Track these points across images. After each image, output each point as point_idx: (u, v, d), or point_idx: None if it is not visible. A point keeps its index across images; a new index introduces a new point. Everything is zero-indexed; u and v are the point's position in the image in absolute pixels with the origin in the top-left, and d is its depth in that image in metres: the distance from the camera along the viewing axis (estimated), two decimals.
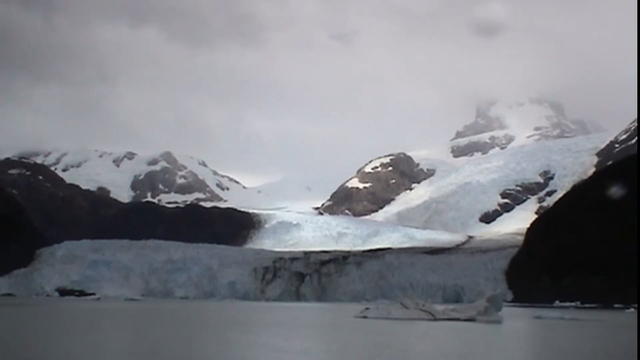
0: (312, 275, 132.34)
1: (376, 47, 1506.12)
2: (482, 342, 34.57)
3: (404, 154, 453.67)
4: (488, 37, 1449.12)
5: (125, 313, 63.92)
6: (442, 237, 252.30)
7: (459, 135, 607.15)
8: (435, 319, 51.84)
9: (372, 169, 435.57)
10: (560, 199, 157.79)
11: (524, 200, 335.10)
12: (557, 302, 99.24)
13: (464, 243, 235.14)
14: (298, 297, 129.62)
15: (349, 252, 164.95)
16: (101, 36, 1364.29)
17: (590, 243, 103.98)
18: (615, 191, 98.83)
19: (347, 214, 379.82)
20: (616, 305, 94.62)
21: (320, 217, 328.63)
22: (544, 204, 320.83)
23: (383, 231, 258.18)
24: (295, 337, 34.97)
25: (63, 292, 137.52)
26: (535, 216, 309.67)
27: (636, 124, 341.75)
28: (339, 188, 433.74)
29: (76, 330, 38.25)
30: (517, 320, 58.10)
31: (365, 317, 54.60)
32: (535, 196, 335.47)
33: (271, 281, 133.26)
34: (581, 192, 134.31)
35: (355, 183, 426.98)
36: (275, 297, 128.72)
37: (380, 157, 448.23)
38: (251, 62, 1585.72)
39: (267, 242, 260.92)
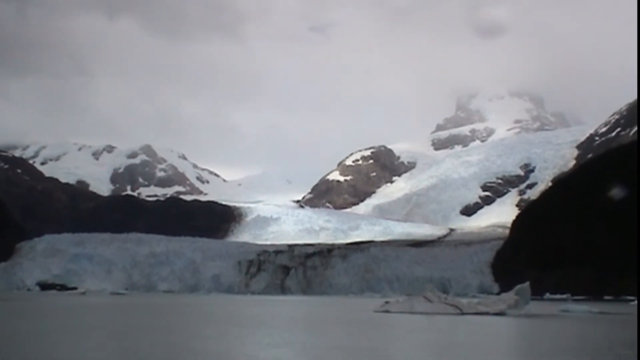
0: (297, 269, 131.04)
1: (356, 39, 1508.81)
2: (544, 339, 31.80)
3: (385, 147, 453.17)
4: (468, 29, 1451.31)
5: (124, 308, 61.87)
6: (424, 230, 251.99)
7: (439, 128, 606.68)
8: (463, 313, 50.66)
9: (353, 162, 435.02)
10: (546, 190, 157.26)
11: (505, 193, 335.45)
12: (547, 295, 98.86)
13: (445, 236, 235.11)
14: (283, 290, 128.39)
15: (333, 244, 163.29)
16: (77, 27, 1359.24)
17: (578, 235, 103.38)
18: (616, 193, 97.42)
19: (328, 207, 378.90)
20: (606, 297, 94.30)
21: (300, 210, 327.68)
22: (525, 196, 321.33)
23: (364, 224, 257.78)
24: (349, 336, 32.46)
25: (44, 286, 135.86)
26: (517, 209, 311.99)
27: (616, 117, 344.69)
28: (320, 181, 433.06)
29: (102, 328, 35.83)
30: (549, 315, 55.10)
31: (387, 311, 52.82)
32: (516, 189, 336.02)
33: (255, 274, 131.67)
34: (567, 183, 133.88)
35: (336, 176, 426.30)
36: (260, 291, 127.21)
37: (361, 150, 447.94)
38: (230, 53, 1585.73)
39: (248, 235, 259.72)
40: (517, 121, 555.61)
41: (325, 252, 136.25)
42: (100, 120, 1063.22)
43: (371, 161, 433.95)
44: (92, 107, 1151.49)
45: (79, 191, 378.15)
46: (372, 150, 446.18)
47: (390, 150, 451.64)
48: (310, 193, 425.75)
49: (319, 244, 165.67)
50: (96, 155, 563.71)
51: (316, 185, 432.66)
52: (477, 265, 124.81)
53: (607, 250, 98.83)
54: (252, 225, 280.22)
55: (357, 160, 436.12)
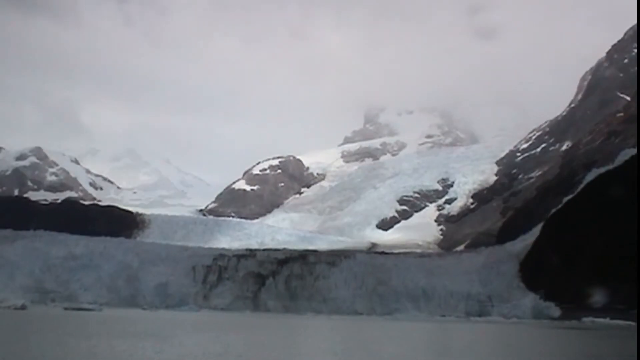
0: (275, 278, 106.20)
1: (266, 47, 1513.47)
2: None
3: (294, 157, 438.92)
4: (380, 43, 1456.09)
5: None
6: (345, 243, 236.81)
7: (347, 140, 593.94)
8: None
9: (260, 171, 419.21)
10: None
11: (423, 208, 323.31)
12: None
13: (370, 249, 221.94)
14: (256, 305, 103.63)
15: (316, 249, 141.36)
16: None
17: (569, 243, 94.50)
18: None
19: (232, 217, 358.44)
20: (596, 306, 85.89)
21: (206, 218, 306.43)
22: (444, 211, 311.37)
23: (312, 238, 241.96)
24: None
25: None
26: (436, 224, 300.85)
27: (537, 134, 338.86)
28: (225, 190, 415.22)
29: None
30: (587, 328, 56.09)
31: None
32: (434, 204, 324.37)
33: (217, 284, 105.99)
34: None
35: (242, 185, 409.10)
36: (224, 306, 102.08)
37: (268, 159, 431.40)
38: (137, 57, 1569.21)
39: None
40: (428, 136, 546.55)
41: (309, 258, 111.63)
42: None
43: (279, 171, 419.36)
44: None
45: None
46: (280, 159, 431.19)
47: (299, 160, 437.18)
48: (214, 202, 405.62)
49: (284, 249, 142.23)
50: None
51: (220, 194, 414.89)
52: (510, 279, 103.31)
53: (604, 259, 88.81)
54: (156, 232, 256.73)
55: (265, 169, 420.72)
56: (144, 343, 32.40)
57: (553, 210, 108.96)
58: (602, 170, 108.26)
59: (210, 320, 67.66)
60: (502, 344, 42.02)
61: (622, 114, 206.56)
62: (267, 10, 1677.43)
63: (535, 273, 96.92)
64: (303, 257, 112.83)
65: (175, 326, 51.84)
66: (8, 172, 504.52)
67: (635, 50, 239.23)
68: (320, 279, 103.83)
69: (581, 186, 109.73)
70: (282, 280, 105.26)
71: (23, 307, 72.29)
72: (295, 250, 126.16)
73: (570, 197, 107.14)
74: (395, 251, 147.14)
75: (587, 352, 36.68)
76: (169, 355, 27.22)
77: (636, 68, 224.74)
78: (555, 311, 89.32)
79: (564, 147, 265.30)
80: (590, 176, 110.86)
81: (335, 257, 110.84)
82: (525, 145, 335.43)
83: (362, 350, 33.80)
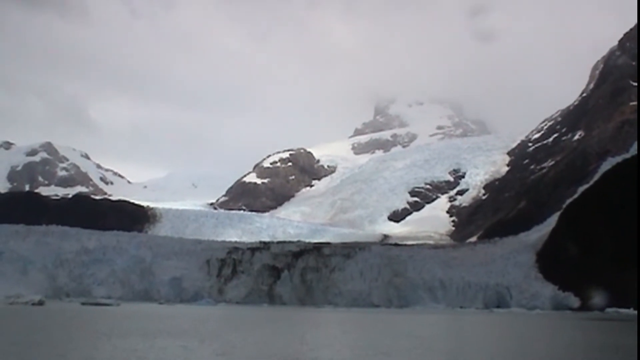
0: (290, 270, 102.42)
1: (274, 40, 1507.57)
2: None
3: (304, 150, 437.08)
4: (389, 35, 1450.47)
5: None
6: (357, 236, 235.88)
7: (357, 132, 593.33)
8: None
9: (271, 164, 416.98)
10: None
11: (434, 199, 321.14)
12: None
13: (382, 241, 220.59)
14: (271, 298, 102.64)
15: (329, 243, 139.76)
16: None
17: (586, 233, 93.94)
18: None
19: (243, 210, 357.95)
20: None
21: (219, 212, 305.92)
22: (456, 203, 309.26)
23: (324, 231, 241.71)
24: None
25: None
26: (448, 215, 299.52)
27: (549, 123, 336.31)
28: (235, 183, 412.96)
29: None
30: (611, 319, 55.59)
31: None
32: (446, 195, 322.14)
33: (231, 278, 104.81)
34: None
35: (252, 178, 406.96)
36: (239, 299, 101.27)
37: (279, 152, 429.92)
38: (140, 51, 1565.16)
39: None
40: (439, 127, 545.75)
41: (323, 250, 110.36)
42: None
43: (290, 164, 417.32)
44: None
45: None
46: (290, 152, 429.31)
47: (309, 153, 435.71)
48: (224, 196, 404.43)
49: (298, 241, 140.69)
50: None
51: (231, 187, 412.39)
52: (527, 270, 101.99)
53: (616, 246, 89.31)
54: (168, 226, 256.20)
55: (275, 162, 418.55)
56: (193, 343, 31.19)
57: (569, 200, 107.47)
58: (618, 159, 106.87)
59: (235, 314, 67.19)
60: (547, 337, 41.01)
61: (634, 103, 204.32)
62: (273, 3, 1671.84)
63: (553, 263, 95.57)
64: (318, 249, 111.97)
65: (208, 322, 51.01)
66: (19, 168, 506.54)
67: None
68: (335, 271, 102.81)
69: (596, 175, 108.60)
70: (298, 273, 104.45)
71: (41, 303, 72.57)
72: (309, 243, 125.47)
73: (586, 186, 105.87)
74: (410, 243, 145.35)
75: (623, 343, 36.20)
76: (236, 357, 26.05)
77: None
78: (575, 301, 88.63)
79: (576, 137, 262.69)
80: (606, 165, 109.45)
81: (350, 249, 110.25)
82: (537, 135, 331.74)
83: (422, 345, 32.72)
